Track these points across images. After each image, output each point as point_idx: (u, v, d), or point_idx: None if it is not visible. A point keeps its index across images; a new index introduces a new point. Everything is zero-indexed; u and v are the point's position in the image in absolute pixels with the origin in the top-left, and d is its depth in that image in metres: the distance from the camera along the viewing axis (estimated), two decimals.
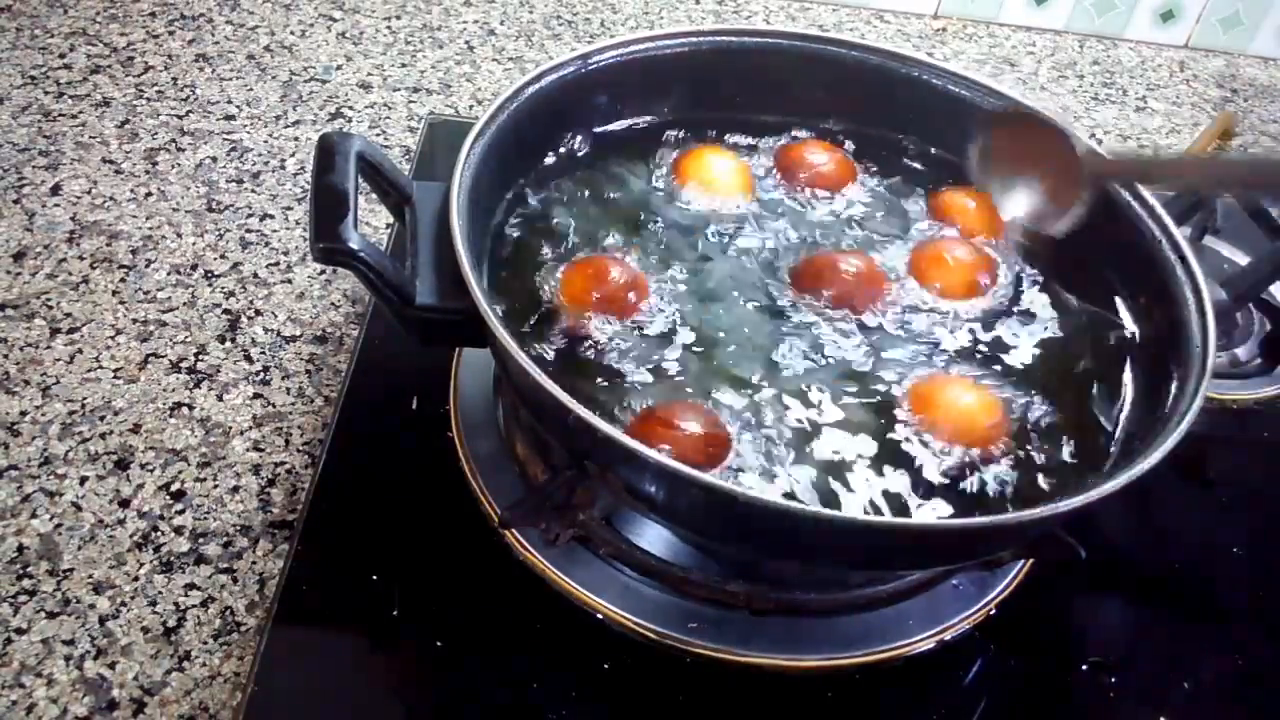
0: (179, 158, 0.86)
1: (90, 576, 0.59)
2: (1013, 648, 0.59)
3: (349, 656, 0.56)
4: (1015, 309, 0.63)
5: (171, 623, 0.57)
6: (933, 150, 0.72)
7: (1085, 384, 0.59)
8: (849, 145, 0.72)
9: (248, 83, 0.95)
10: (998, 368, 0.59)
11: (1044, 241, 0.66)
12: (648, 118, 0.72)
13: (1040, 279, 0.64)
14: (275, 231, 0.81)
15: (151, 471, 0.64)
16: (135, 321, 0.73)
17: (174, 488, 0.63)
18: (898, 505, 0.51)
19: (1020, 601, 0.59)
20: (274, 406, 0.69)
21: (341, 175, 0.54)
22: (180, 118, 0.90)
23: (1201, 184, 0.69)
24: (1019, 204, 0.66)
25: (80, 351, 0.70)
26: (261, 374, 0.71)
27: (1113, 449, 0.56)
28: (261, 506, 0.63)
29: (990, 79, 0.71)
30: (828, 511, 0.49)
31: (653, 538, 0.58)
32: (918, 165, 0.71)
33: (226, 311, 0.74)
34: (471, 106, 0.96)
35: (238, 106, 0.92)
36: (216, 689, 0.55)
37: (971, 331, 0.61)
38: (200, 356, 0.71)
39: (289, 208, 0.83)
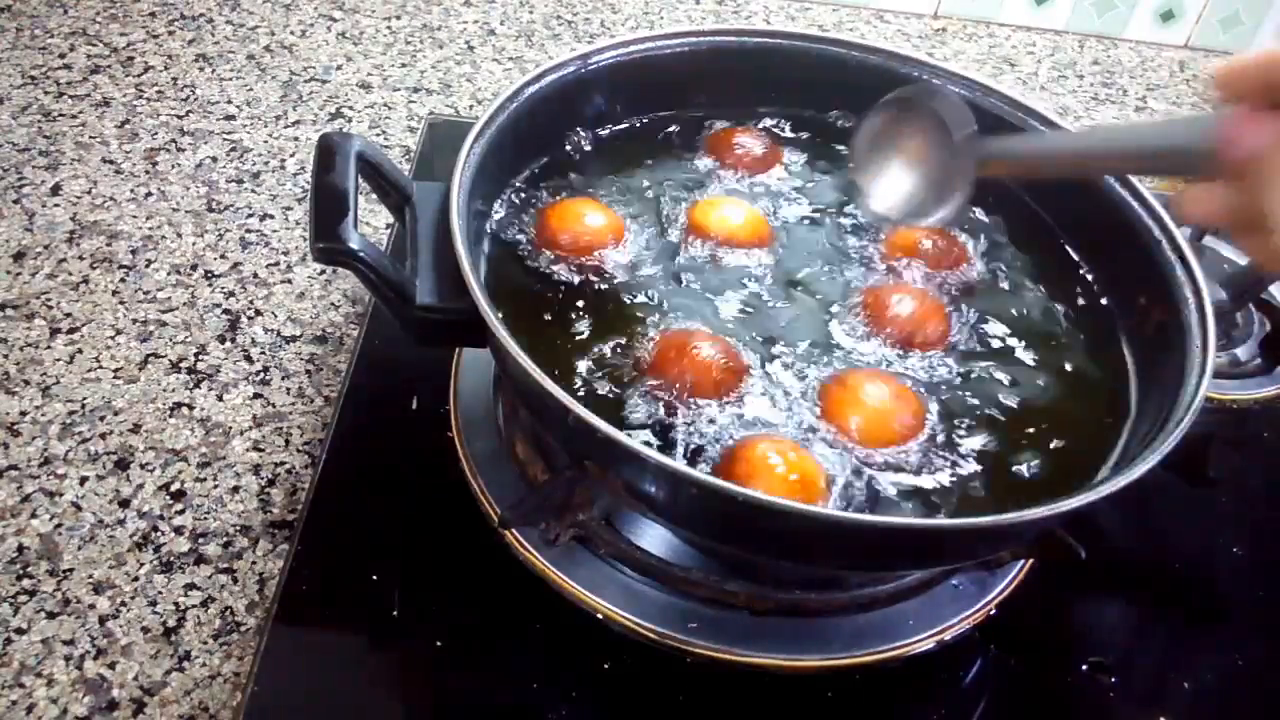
0: (179, 158, 0.86)
1: (90, 576, 0.59)
2: (1013, 648, 0.59)
3: (349, 656, 0.56)
4: (1014, 311, 0.63)
5: (171, 623, 0.57)
6: None
7: (1085, 384, 0.59)
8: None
9: (248, 83, 0.95)
10: (997, 368, 0.59)
11: (1043, 244, 0.66)
12: (647, 117, 0.72)
13: (1038, 280, 0.65)
14: (275, 231, 0.81)
15: (151, 471, 0.64)
16: (135, 321, 0.73)
17: (174, 488, 0.63)
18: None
19: (1020, 601, 0.59)
20: (274, 406, 0.69)
21: (341, 175, 0.54)
22: (180, 118, 0.90)
23: (1101, 163, 0.55)
24: (892, 196, 0.58)
25: (80, 351, 0.70)
26: (261, 374, 0.71)
27: (1113, 449, 0.56)
28: (261, 506, 0.63)
29: (990, 79, 0.71)
30: (828, 511, 0.49)
31: (653, 538, 0.58)
32: None
33: (226, 311, 0.74)
34: (471, 106, 0.96)
35: (238, 106, 0.92)
36: (216, 689, 0.55)
37: (967, 332, 0.61)
38: (200, 356, 0.71)
39: (289, 208, 0.83)
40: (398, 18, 1.06)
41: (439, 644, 0.56)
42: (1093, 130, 0.47)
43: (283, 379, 0.70)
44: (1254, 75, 0.39)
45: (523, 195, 0.66)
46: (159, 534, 0.61)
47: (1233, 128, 0.39)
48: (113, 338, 0.72)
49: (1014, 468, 0.54)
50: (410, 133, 0.92)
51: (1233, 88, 0.40)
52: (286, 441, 0.67)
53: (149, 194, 0.83)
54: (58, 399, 0.67)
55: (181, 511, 0.62)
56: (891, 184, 0.57)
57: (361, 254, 0.52)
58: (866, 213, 0.66)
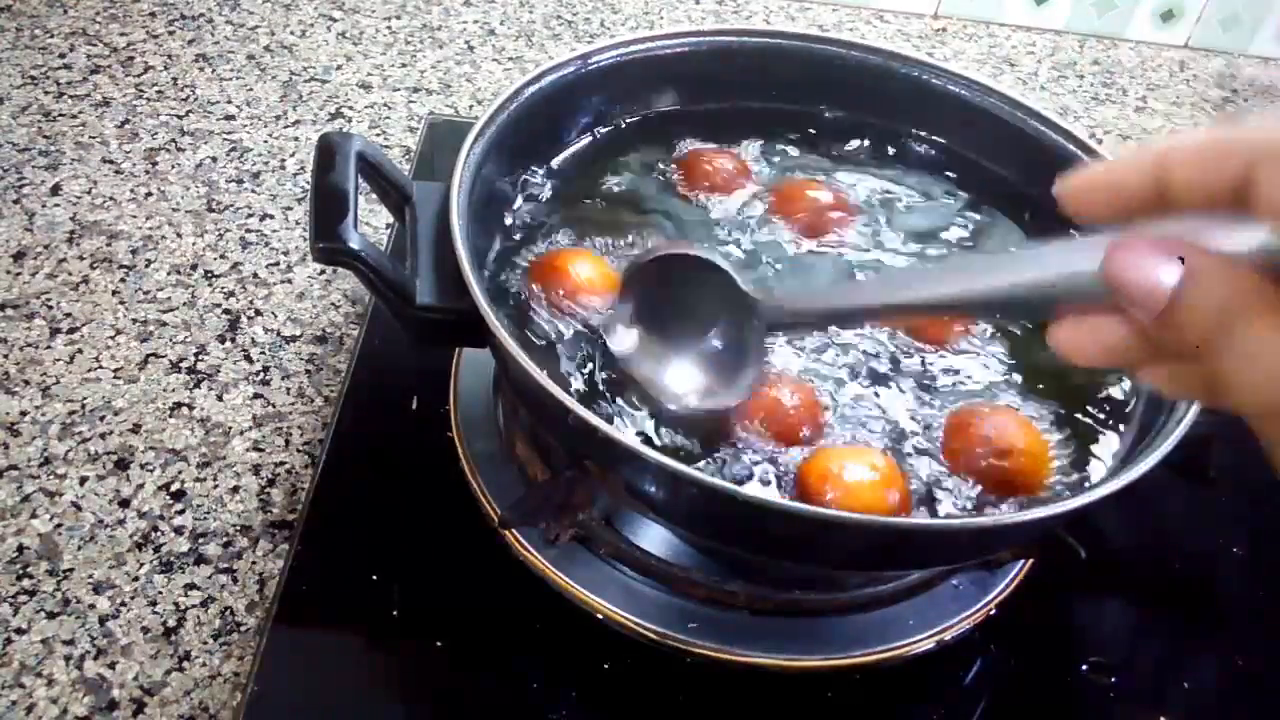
0: (179, 158, 0.86)
1: (90, 576, 0.59)
2: (1013, 648, 0.59)
3: (349, 656, 0.56)
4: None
5: (171, 623, 0.57)
6: (931, 151, 0.72)
7: (1085, 384, 0.59)
8: (851, 144, 0.72)
9: (248, 83, 0.95)
10: (996, 368, 0.59)
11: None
12: (647, 117, 0.72)
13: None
14: (275, 231, 0.81)
15: (151, 471, 0.64)
16: (135, 321, 0.73)
17: (174, 488, 0.63)
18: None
19: (1020, 601, 0.59)
20: (274, 406, 0.69)
21: (341, 175, 0.54)
22: (180, 118, 0.90)
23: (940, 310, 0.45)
24: (682, 378, 0.50)
25: (80, 351, 0.70)
26: (261, 374, 0.71)
27: (1113, 449, 0.56)
28: (261, 506, 0.63)
29: (990, 79, 0.71)
30: (828, 511, 0.48)
31: (653, 538, 0.58)
32: (916, 166, 0.71)
33: (226, 311, 0.74)
34: (471, 106, 0.96)
35: (238, 106, 0.92)
36: (216, 689, 0.55)
37: (965, 334, 0.61)
38: (200, 356, 0.71)
39: (289, 208, 0.83)
40: (398, 18, 1.06)
41: (439, 644, 0.56)
42: (923, 273, 0.37)
43: (283, 379, 0.70)
44: (1138, 185, 0.28)
45: (523, 195, 0.66)
46: (159, 534, 0.61)
47: (1132, 264, 0.29)
48: (113, 338, 0.72)
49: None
50: (410, 133, 0.92)
51: (1112, 206, 0.29)
52: (286, 441, 0.67)
53: (149, 194, 0.83)
54: (58, 399, 0.67)
55: (181, 511, 0.62)
56: (680, 366, 0.51)
57: (362, 254, 0.52)
58: (670, 399, 0.52)
